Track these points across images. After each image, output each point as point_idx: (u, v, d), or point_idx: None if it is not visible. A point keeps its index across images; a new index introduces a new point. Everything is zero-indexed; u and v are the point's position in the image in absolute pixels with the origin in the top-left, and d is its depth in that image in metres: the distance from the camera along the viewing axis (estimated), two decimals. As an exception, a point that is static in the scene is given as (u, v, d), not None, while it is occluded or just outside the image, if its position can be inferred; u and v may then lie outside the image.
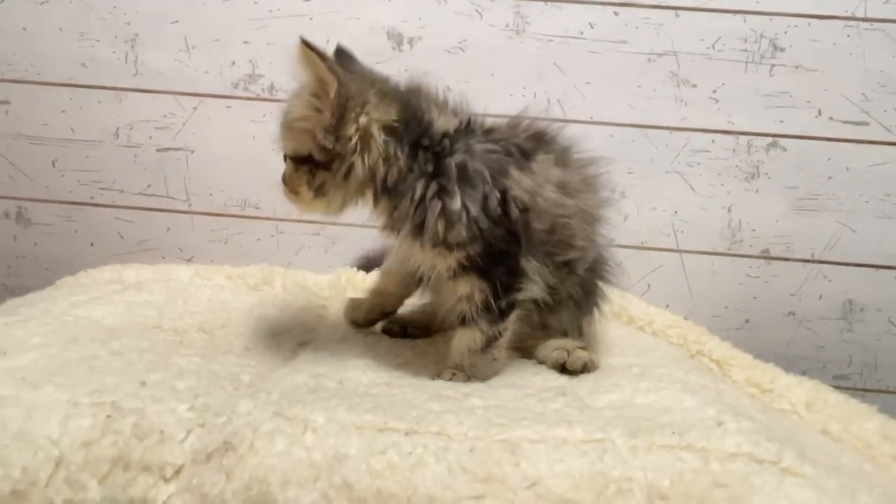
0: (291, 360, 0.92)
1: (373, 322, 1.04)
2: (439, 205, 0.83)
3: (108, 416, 0.65)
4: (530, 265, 0.88)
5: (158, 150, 1.43)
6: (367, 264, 1.32)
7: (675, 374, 0.92)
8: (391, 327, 1.05)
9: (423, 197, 0.84)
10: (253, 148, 1.40)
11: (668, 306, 1.34)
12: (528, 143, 0.90)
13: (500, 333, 0.89)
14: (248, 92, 1.40)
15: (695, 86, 1.35)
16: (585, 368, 0.91)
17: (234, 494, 0.61)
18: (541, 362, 0.95)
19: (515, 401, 0.78)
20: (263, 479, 0.61)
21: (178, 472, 0.62)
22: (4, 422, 0.64)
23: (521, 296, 0.88)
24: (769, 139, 1.35)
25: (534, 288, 0.89)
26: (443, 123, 0.87)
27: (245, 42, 1.38)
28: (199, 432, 0.66)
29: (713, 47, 1.34)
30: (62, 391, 0.69)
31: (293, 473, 0.62)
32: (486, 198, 0.84)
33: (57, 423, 0.64)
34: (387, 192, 0.87)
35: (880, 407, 1.04)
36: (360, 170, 0.85)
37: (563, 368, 0.92)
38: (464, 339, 0.88)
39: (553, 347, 0.94)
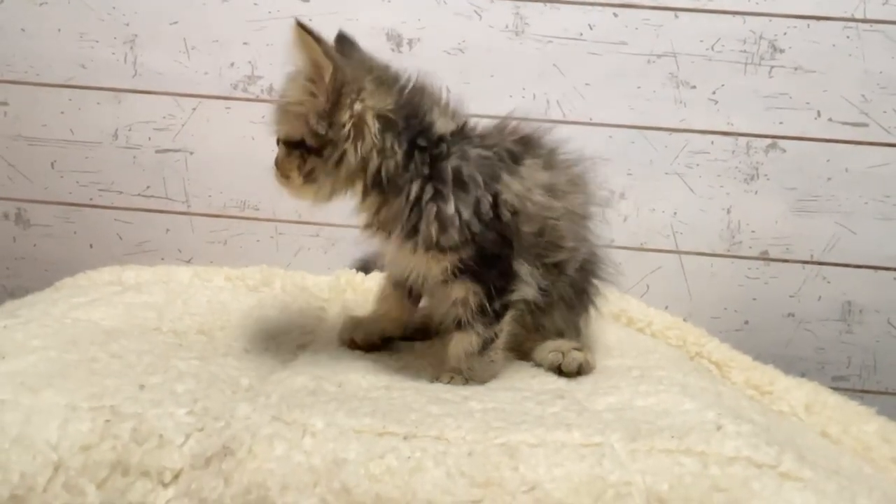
0: (291, 362, 0.92)
1: (370, 345, 0.98)
2: (434, 209, 0.83)
3: (107, 421, 0.65)
4: (523, 267, 0.88)
5: (157, 152, 1.43)
6: (367, 266, 1.32)
7: (674, 376, 0.92)
8: None
9: (417, 199, 0.84)
10: (252, 149, 1.40)
11: (667, 307, 1.34)
12: (517, 147, 0.90)
13: (496, 335, 0.89)
14: (247, 93, 1.40)
15: (694, 87, 1.35)
16: (581, 370, 0.91)
17: (232, 499, 0.61)
18: (538, 365, 0.95)
19: (514, 404, 0.78)
20: (262, 484, 0.61)
21: (176, 476, 0.63)
22: (3, 426, 0.64)
23: (514, 297, 0.88)
24: (768, 140, 1.35)
25: (527, 289, 0.89)
26: (442, 126, 0.86)
27: (244, 43, 1.38)
28: (197, 437, 0.66)
29: (712, 48, 1.34)
30: (61, 395, 0.69)
31: (292, 478, 0.62)
32: (478, 202, 0.84)
33: (56, 427, 0.64)
34: (377, 186, 0.86)
35: (879, 408, 1.04)
36: (352, 158, 0.84)
37: (559, 370, 0.92)
38: (460, 343, 0.88)
39: (549, 349, 0.94)
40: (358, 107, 0.83)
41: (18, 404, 0.67)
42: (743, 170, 1.37)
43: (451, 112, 0.89)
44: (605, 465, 0.65)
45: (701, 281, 1.40)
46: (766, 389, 1.05)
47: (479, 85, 1.36)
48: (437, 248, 0.84)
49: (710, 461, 0.67)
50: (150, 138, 1.42)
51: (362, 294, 1.23)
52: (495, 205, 0.85)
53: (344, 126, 0.83)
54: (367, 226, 0.90)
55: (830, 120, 1.34)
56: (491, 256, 0.86)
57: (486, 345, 0.88)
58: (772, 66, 1.34)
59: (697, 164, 1.37)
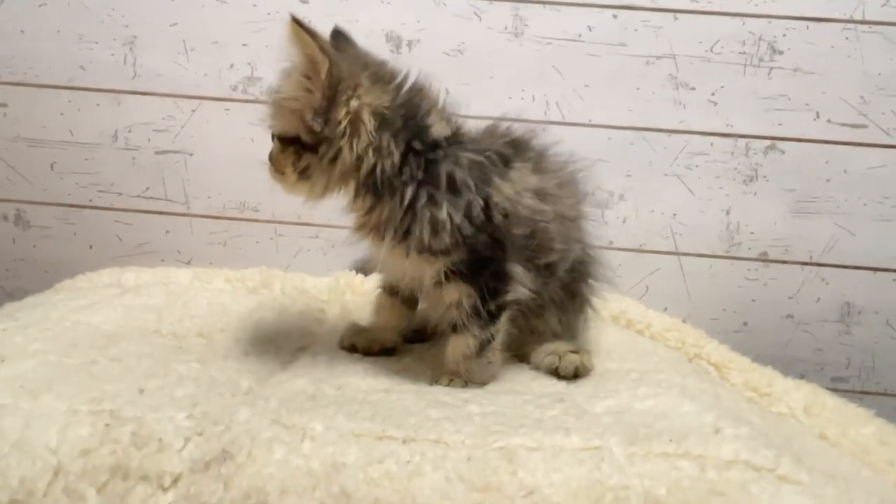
0: (290, 364, 0.92)
1: (371, 352, 0.98)
2: (427, 213, 0.83)
3: (107, 425, 0.66)
4: (516, 268, 0.88)
5: (157, 153, 1.43)
6: (366, 267, 1.32)
7: (673, 378, 0.92)
8: None
9: (412, 204, 0.83)
10: (252, 150, 1.40)
11: (666, 309, 1.34)
12: (507, 150, 0.90)
13: (493, 336, 0.89)
14: (246, 94, 1.40)
15: (693, 88, 1.35)
16: (578, 372, 0.91)
17: (232, 503, 0.61)
18: (536, 368, 0.95)
19: (513, 407, 0.78)
20: (261, 489, 0.61)
21: (176, 480, 0.63)
22: (3, 431, 0.64)
23: (509, 297, 0.88)
24: (767, 142, 1.36)
25: (521, 290, 0.88)
26: (438, 130, 0.86)
27: (243, 45, 1.38)
28: (197, 441, 0.66)
29: (711, 50, 1.34)
30: (61, 399, 0.69)
31: (291, 482, 0.62)
32: (469, 206, 0.83)
33: (55, 431, 0.64)
34: (371, 186, 0.85)
35: (878, 409, 1.04)
36: (347, 156, 0.83)
37: (556, 373, 0.92)
38: (458, 346, 0.88)
39: (546, 353, 0.94)
40: (354, 103, 0.82)
41: (18, 409, 0.67)
42: (742, 171, 1.37)
43: (447, 116, 0.89)
44: (603, 470, 0.65)
45: (700, 282, 1.40)
46: (764, 391, 1.05)
47: (478, 86, 1.36)
48: (428, 251, 0.84)
49: (707, 465, 0.67)
50: (149, 140, 1.42)
51: (361, 296, 1.23)
52: (487, 208, 0.85)
53: (340, 123, 0.82)
54: (359, 227, 0.89)
55: (829, 121, 1.34)
56: (483, 259, 0.86)
57: (482, 346, 0.88)
58: (771, 68, 1.34)
59: (696, 166, 1.37)
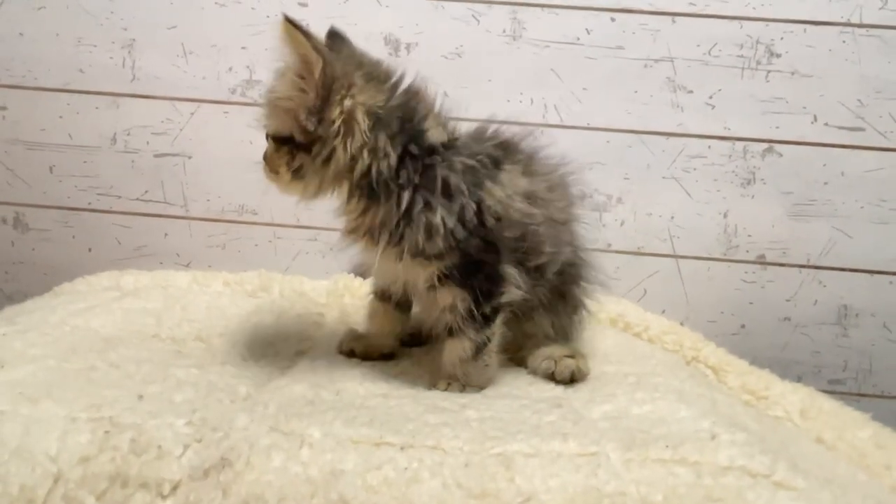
0: (289, 369, 0.92)
1: (369, 358, 0.98)
2: (423, 218, 0.83)
3: (106, 432, 0.66)
4: (510, 270, 0.88)
5: (156, 156, 1.43)
6: (364, 271, 1.32)
7: (670, 382, 0.93)
8: None
9: (408, 209, 0.83)
10: (250, 153, 1.39)
11: (664, 311, 1.34)
12: (497, 152, 0.90)
13: (489, 339, 0.89)
14: (245, 97, 1.40)
15: (691, 91, 1.35)
16: (573, 377, 0.91)
17: (231, 511, 0.62)
18: (533, 372, 0.95)
19: (511, 412, 0.78)
20: (260, 496, 0.62)
21: (175, 488, 0.63)
22: (2, 438, 0.64)
23: (503, 299, 0.88)
24: (765, 145, 1.36)
25: (515, 291, 0.89)
26: (435, 135, 0.86)
27: (242, 48, 1.39)
28: (196, 448, 0.66)
29: (709, 53, 1.34)
30: (60, 406, 0.69)
31: (290, 489, 0.62)
32: (462, 209, 0.84)
33: (55, 438, 0.65)
34: (365, 188, 0.85)
35: (875, 411, 1.04)
36: (341, 156, 0.83)
37: (552, 378, 0.92)
38: (454, 350, 0.88)
39: (542, 357, 0.94)
40: (348, 103, 0.82)
41: (18, 415, 0.68)
42: (740, 174, 1.37)
43: (443, 122, 0.89)
44: (599, 476, 0.66)
45: (698, 285, 1.40)
46: (761, 394, 1.05)
47: (476, 89, 1.37)
48: (422, 255, 0.84)
49: (704, 471, 0.67)
50: (148, 143, 1.43)
51: (360, 299, 1.23)
52: (479, 212, 0.85)
53: (334, 122, 0.82)
54: (351, 231, 0.89)
55: (827, 124, 1.35)
56: (476, 262, 0.86)
57: (479, 349, 0.88)
58: (768, 71, 1.34)
59: (694, 169, 1.37)
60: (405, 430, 0.71)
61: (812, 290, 1.39)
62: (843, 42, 1.32)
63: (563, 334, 0.99)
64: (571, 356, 0.93)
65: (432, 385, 0.89)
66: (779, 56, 1.34)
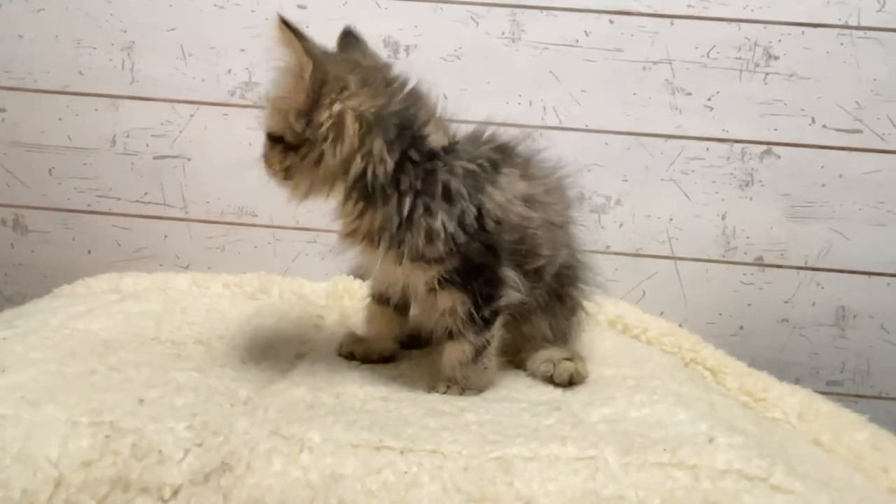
0: (289, 372, 0.92)
1: (369, 361, 0.99)
2: (423, 223, 0.83)
3: (107, 436, 0.66)
4: (509, 273, 0.88)
5: (155, 158, 1.43)
6: (364, 272, 1.33)
7: (669, 385, 0.93)
8: None
9: (409, 214, 0.83)
10: (250, 155, 1.36)
11: (662, 313, 1.34)
12: (496, 155, 0.90)
13: (488, 342, 0.89)
14: (244, 99, 1.40)
15: (689, 94, 1.36)
16: (572, 380, 0.92)
17: (231, 515, 0.62)
18: (532, 375, 0.95)
19: (510, 416, 0.79)
20: (260, 500, 0.62)
21: (176, 492, 0.63)
22: (4, 442, 0.65)
23: (502, 302, 0.89)
24: (763, 147, 1.36)
25: (514, 294, 0.89)
26: (435, 140, 0.86)
27: (241, 50, 1.39)
28: (196, 452, 0.66)
29: (707, 55, 1.35)
30: (61, 410, 0.70)
31: (290, 494, 0.63)
32: (462, 214, 0.84)
33: (56, 443, 0.65)
34: (361, 191, 0.85)
35: (872, 412, 1.05)
36: (330, 159, 0.83)
37: (551, 380, 0.92)
38: (453, 353, 0.89)
39: (541, 360, 0.95)
40: (337, 107, 0.81)
41: (19, 419, 0.68)
42: (738, 176, 1.37)
43: (445, 126, 0.89)
44: (598, 480, 0.66)
45: (696, 286, 1.41)
46: (759, 396, 1.06)
47: (475, 91, 1.37)
48: (422, 259, 0.85)
49: (701, 475, 0.68)
50: (147, 145, 1.43)
51: (359, 301, 1.23)
52: (480, 216, 0.85)
53: (322, 126, 0.82)
54: (348, 234, 0.89)
55: (825, 126, 1.35)
56: (476, 266, 0.86)
57: (478, 352, 0.89)
58: (766, 73, 1.34)
59: (693, 171, 1.38)
60: (405, 434, 0.71)
61: (810, 291, 1.39)
62: (841, 44, 1.32)
63: (562, 336, 0.99)
64: (570, 359, 0.94)
65: (431, 388, 0.90)
66: (777, 58, 1.34)
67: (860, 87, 1.33)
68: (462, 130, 0.93)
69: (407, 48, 1.37)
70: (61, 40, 1.40)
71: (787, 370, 1.36)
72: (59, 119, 1.42)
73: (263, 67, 1.36)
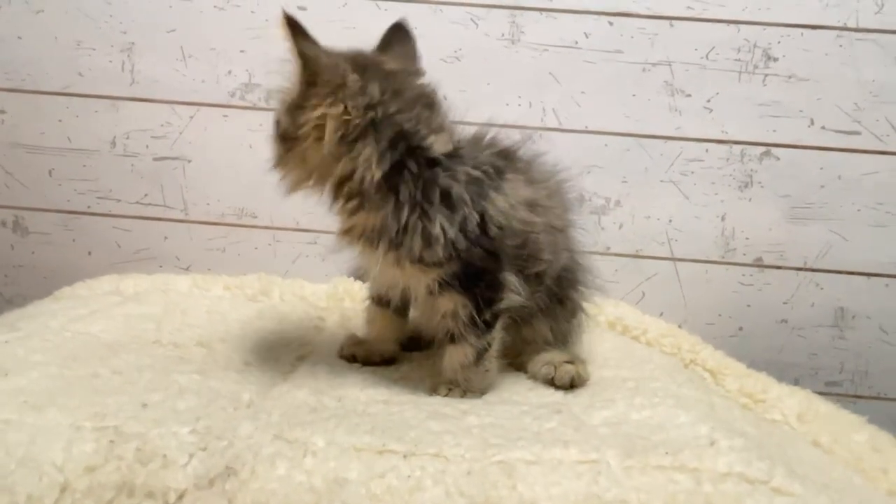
0: (290, 374, 0.92)
1: (370, 363, 0.99)
2: (420, 227, 0.83)
3: (111, 441, 0.66)
4: (510, 277, 0.88)
5: (155, 160, 1.43)
6: (363, 274, 1.33)
7: (669, 387, 0.93)
8: None
9: (407, 221, 0.83)
10: (250, 157, 1.41)
11: (662, 314, 1.35)
12: (499, 161, 0.90)
13: (489, 345, 0.89)
14: (244, 101, 1.40)
15: (689, 95, 1.36)
16: (573, 383, 0.92)
17: (236, 519, 0.62)
18: (532, 378, 0.95)
19: (512, 419, 0.79)
20: (265, 504, 0.62)
21: (181, 497, 0.63)
22: (9, 447, 0.65)
23: (503, 305, 0.89)
24: (762, 148, 1.37)
25: (515, 297, 0.89)
26: (439, 148, 0.85)
27: (241, 51, 1.39)
28: (201, 456, 0.67)
29: (707, 57, 1.35)
30: (64, 414, 0.70)
31: (294, 498, 0.63)
32: (464, 220, 0.84)
33: (60, 448, 0.65)
34: (350, 192, 0.85)
35: (871, 414, 1.06)
36: (313, 158, 0.84)
37: (552, 383, 0.93)
38: (455, 356, 0.89)
39: (542, 363, 0.95)
40: (319, 111, 0.82)
41: (23, 424, 0.68)
42: (737, 177, 1.38)
43: (451, 131, 0.88)
44: (600, 483, 0.66)
45: (696, 288, 1.41)
46: (759, 398, 1.06)
47: (475, 93, 1.37)
48: (421, 262, 0.85)
49: (703, 478, 0.68)
50: (147, 146, 1.43)
51: (360, 303, 1.23)
52: (482, 222, 0.85)
53: (303, 126, 0.83)
54: (344, 232, 0.89)
55: (823, 128, 1.35)
56: (477, 270, 0.86)
57: (480, 355, 0.89)
58: (765, 75, 1.35)
59: (692, 172, 1.38)
60: (408, 437, 0.71)
61: (809, 292, 1.40)
62: (840, 46, 1.33)
63: (562, 339, 0.99)
64: (571, 362, 0.94)
65: (433, 390, 0.90)
66: (776, 60, 1.34)
67: (859, 89, 1.34)
68: (464, 133, 0.93)
69: (407, 50, 1.37)
70: (61, 42, 1.40)
71: (786, 371, 1.36)
72: (59, 120, 1.42)
73: (263, 69, 1.39)
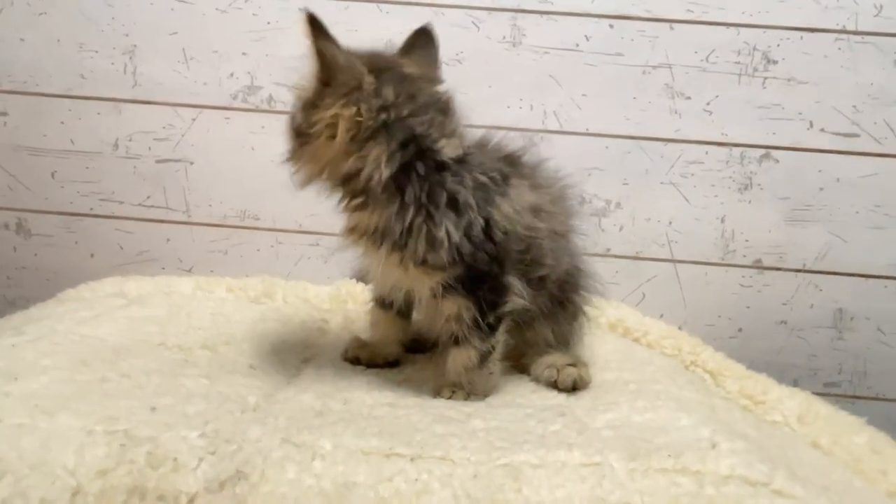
0: (296, 378, 0.93)
1: (374, 365, 0.99)
2: (424, 230, 0.84)
3: (122, 445, 0.67)
4: (513, 281, 0.89)
5: (158, 162, 1.44)
6: (365, 275, 1.34)
7: (670, 390, 0.94)
8: None
9: (412, 223, 0.84)
10: (252, 159, 1.41)
11: (662, 316, 1.36)
12: (505, 167, 0.91)
13: (493, 347, 0.90)
14: (246, 103, 1.41)
15: (689, 98, 1.37)
16: (576, 385, 0.93)
17: (246, 523, 0.63)
18: (535, 380, 0.96)
19: (516, 422, 0.80)
20: (275, 508, 0.63)
21: (192, 500, 0.64)
22: (22, 452, 0.65)
23: (506, 308, 0.90)
24: (762, 151, 1.38)
25: (519, 301, 0.90)
26: (448, 152, 0.86)
27: (243, 54, 1.39)
28: (210, 460, 0.67)
29: (707, 60, 1.36)
30: (76, 418, 0.71)
31: (304, 502, 0.64)
32: (470, 225, 0.85)
33: (73, 452, 0.66)
34: (356, 190, 0.86)
35: (870, 414, 1.07)
36: (323, 155, 0.85)
37: (555, 386, 0.94)
38: (459, 359, 0.89)
39: (545, 365, 0.96)
40: (332, 111, 0.83)
41: (36, 428, 0.69)
42: (737, 179, 1.39)
43: (462, 137, 0.89)
44: (605, 486, 0.67)
45: (696, 289, 1.42)
46: (759, 399, 1.07)
47: (476, 95, 1.36)
48: (424, 265, 0.85)
49: (705, 480, 0.69)
50: (150, 148, 1.43)
51: (363, 305, 1.24)
52: (488, 227, 0.86)
53: (316, 124, 0.84)
54: (349, 230, 0.90)
55: (823, 130, 1.36)
56: (481, 274, 0.87)
57: (484, 358, 0.89)
58: (765, 78, 1.36)
59: (692, 174, 1.39)
60: (414, 440, 0.72)
61: (808, 294, 1.41)
62: (839, 49, 1.34)
63: (564, 341, 1.00)
64: (573, 364, 0.95)
65: (436, 392, 0.90)
66: (775, 63, 1.35)
67: (858, 92, 1.35)
68: (469, 137, 0.93)
69: (408, 52, 1.38)
70: (63, 44, 1.40)
71: (785, 372, 1.37)
72: (62, 123, 1.43)
73: (266, 71, 1.39)
